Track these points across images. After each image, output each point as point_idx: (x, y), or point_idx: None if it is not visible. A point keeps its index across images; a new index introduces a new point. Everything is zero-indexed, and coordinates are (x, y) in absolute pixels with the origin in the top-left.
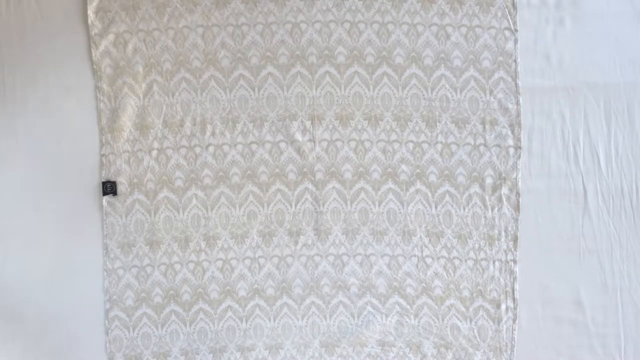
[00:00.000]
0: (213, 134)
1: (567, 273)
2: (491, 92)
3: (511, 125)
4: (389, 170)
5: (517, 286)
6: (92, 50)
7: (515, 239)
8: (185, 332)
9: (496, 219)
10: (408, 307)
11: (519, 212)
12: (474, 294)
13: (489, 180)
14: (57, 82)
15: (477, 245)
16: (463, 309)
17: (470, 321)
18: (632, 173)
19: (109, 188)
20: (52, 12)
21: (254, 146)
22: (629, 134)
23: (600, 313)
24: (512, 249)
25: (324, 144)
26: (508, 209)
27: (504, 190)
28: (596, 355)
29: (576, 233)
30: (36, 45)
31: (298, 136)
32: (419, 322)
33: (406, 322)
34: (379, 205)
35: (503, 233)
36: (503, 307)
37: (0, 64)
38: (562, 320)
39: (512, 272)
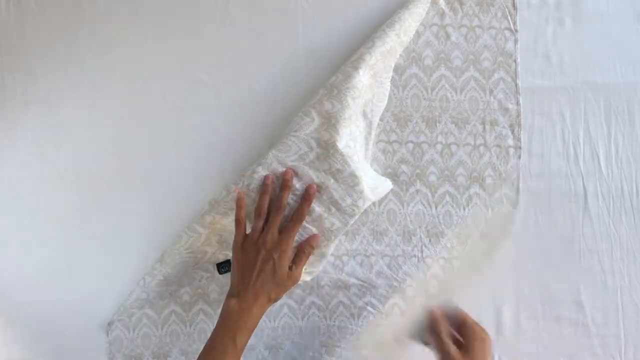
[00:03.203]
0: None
1: (567, 273)
2: (491, 92)
3: (511, 126)
4: (389, 170)
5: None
6: None
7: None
8: (185, 332)
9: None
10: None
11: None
12: None
13: (489, 181)
14: (57, 82)
15: None
16: None
17: None
18: (632, 173)
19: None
20: (52, 12)
21: None
22: (629, 134)
23: (600, 313)
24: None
25: None
26: (508, 209)
27: (504, 190)
28: (596, 355)
29: (576, 233)
30: (36, 45)
31: None
32: None
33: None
34: (379, 206)
35: None
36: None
37: (0, 63)
38: (562, 320)
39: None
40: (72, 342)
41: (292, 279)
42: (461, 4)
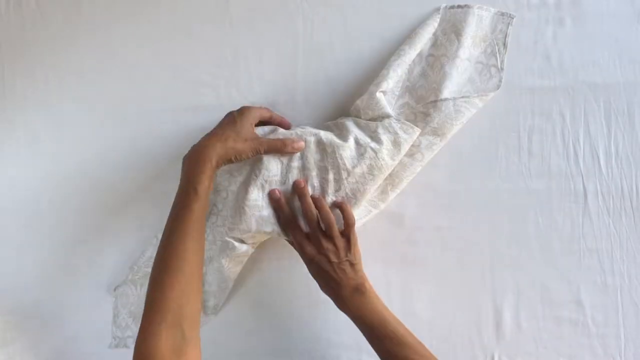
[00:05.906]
0: None
1: (567, 273)
2: None
3: None
4: None
5: None
6: None
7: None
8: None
9: None
10: None
11: None
12: None
13: None
14: (57, 82)
15: None
16: None
17: None
18: (632, 173)
19: None
20: (52, 12)
21: None
22: (629, 134)
23: (600, 313)
24: None
25: None
26: None
27: None
28: (596, 355)
29: (576, 233)
30: (36, 45)
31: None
32: None
33: None
34: None
35: None
36: None
37: (0, 64)
38: (562, 320)
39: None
40: (72, 342)
41: (250, 140)
42: (458, 35)
